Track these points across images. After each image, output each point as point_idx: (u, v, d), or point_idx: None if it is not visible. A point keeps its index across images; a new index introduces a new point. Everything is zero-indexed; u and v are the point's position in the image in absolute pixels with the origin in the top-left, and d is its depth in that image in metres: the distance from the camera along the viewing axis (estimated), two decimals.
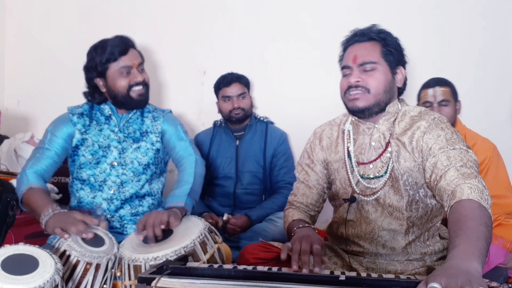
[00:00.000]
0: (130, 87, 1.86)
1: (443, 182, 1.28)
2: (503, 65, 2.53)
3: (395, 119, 1.51)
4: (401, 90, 1.57)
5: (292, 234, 1.51)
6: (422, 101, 2.24)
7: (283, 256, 1.30)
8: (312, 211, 1.70)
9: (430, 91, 2.21)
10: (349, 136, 1.59)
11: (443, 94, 2.19)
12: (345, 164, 1.58)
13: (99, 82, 1.88)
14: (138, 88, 1.87)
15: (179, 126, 1.98)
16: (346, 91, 1.50)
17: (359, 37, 1.51)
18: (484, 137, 2.19)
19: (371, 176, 1.52)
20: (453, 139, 1.38)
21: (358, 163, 1.55)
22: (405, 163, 1.46)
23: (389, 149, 1.49)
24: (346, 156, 1.58)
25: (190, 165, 1.87)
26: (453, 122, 2.23)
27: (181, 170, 1.89)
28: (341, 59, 1.57)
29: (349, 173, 1.57)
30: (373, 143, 1.53)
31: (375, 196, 1.52)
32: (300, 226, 1.53)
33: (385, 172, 1.49)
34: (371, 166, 1.53)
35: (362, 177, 1.54)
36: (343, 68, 1.53)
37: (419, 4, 2.61)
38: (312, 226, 1.58)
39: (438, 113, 2.13)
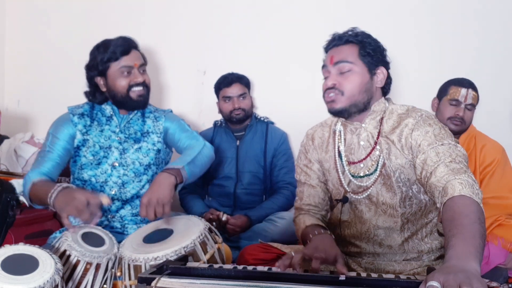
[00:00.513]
0: (130, 87, 1.85)
1: (433, 178, 1.29)
2: (502, 65, 2.53)
3: (382, 118, 1.53)
4: (385, 90, 1.58)
5: (308, 241, 1.49)
6: (450, 97, 2.18)
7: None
8: (322, 210, 1.68)
9: (464, 91, 2.17)
10: (340, 136, 1.60)
11: (473, 98, 2.18)
12: (336, 164, 1.59)
13: (100, 81, 1.88)
14: (138, 88, 1.86)
15: (181, 121, 2.00)
16: (324, 93, 1.54)
17: (337, 41, 1.54)
18: (493, 140, 2.19)
19: (362, 175, 1.53)
20: (441, 134, 1.40)
21: (349, 163, 1.57)
22: (397, 160, 1.47)
23: (378, 147, 1.51)
24: (337, 156, 1.59)
25: (198, 146, 1.88)
26: (469, 126, 2.23)
27: (188, 148, 1.89)
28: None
29: (340, 173, 1.58)
30: (361, 143, 1.54)
31: (367, 193, 1.53)
32: (316, 233, 1.50)
33: (375, 170, 1.51)
34: (361, 165, 1.54)
35: (353, 176, 1.55)
36: (322, 68, 1.57)
37: (417, 4, 2.62)
38: (328, 232, 1.53)
39: (462, 114, 2.15)
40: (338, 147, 1.59)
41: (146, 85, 1.90)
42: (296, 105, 2.74)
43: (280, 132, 2.63)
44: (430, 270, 1.08)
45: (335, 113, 1.52)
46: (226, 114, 2.54)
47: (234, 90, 2.52)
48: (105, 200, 1.61)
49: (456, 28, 2.58)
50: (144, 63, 1.93)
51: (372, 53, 1.50)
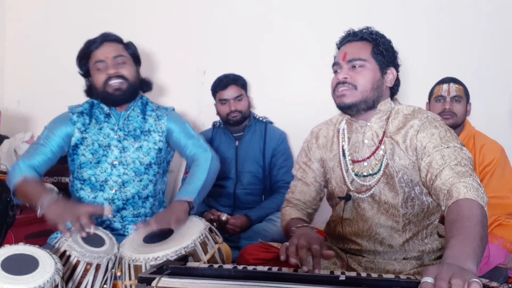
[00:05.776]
0: (106, 81, 1.83)
1: (439, 181, 1.29)
2: (502, 65, 2.53)
3: (388, 117, 1.53)
4: (394, 91, 1.59)
5: (290, 234, 1.51)
6: (435, 96, 2.27)
7: (283, 257, 1.29)
8: (309, 208, 1.71)
9: (445, 86, 2.24)
10: (344, 135, 1.60)
11: (457, 90, 2.23)
12: (340, 163, 1.59)
13: (88, 81, 1.91)
14: (114, 82, 1.82)
15: (186, 123, 1.97)
16: (335, 88, 1.53)
17: (351, 37, 1.54)
18: (492, 139, 2.20)
19: (365, 174, 1.54)
20: (447, 137, 1.39)
21: (353, 161, 1.57)
22: (400, 161, 1.47)
23: (382, 146, 1.51)
24: (341, 155, 1.59)
25: (206, 161, 1.87)
26: (463, 120, 2.25)
27: (195, 164, 1.87)
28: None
29: (344, 171, 1.58)
30: (366, 141, 1.54)
31: (370, 192, 1.53)
32: (299, 225, 1.53)
33: (379, 169, 1.51)
34: (365, 163, 1.54)
35: (356, 175, 1.55)
36: (333, 65, 1.56)
37: (417, 4, 2.62)
38: (311, 226, 1.58)
39: (450, 108, 2.18)
40: (342, 145, 1.60)
41: (124, 78, 1.84)
42: (295, 105, 2.74)
43: (279, 132, 2.63)
44: None
45: (344, 107, 1.51)
46: (223, 116, 2.54)
47: (229, 93, 2.50)
48: (107, 211, 1.61)
49: (455, 28, 2.58)
50: (122, 55, 1.86)
51: (384, 52, 1.51)
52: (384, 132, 1.52)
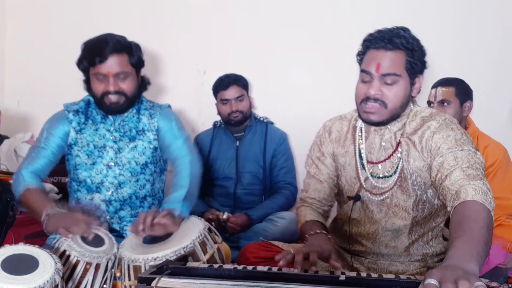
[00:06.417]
0: (103, 94, 1.79)
1: (448, 181, 1.29)
2: (501, 65, 2.53)
3: (406, 119, 1.51)
4: None
5: (305, 241, 1.50)
6: (426, 101, 2.27)
7: (283, 261, 1.25)
8: (325, 206, 1.68)
9: (432, 91, 2.24)
10: (361, 134, 1.57)
11: (443, 94, 2.21)
12: (356, 162, 1.57)
13: (87, 77, 1.85)
14: (112, 96, 1.78)
15: (173, 122, 1.90)
16: (362, 100, 1.45)
17: (385, 43, 1.40)
18: (496, 141, 2.20)
19: (381, 176, 1.52)
20: (463, 140, 1.38)
21: (368, 162, 1.55)
22: (415, 163, 1.46)
23: (399, 149, 1.49)
24: (358, 155, 1.57)
25: (185, 168, 1.79)
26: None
27: (176, 172, 1.82)
28: (360, 55, 1.48)
29: (359, 170, 1.56)
30: (383, 144, 1.52)
31: (383, 197, 1.52)
32: (312, 232, 1.50)
33: (394, 172, 1.50)
34: (380, 166, 1.53)
35: (371, 175, 1.53)
36: (362, 71, 1.46)
37: (417, 4, 2.62)
38: (324, 232, 1.52)
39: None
40: (359, 144, 1.57)
41: (124, 93, 1.80)
42: (296, 105, 2.74)
43: (280, 132, 2.63)
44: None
45: (370, 124, 1.49)
46: (225, 116, 2.54)
47: (231, 93, 2.50)
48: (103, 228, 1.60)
49: (453, 28, 2.58)
50: (125, 71, 1.79)
51: (418, 63, 1.43)
52: (401, 134, 1.50)
